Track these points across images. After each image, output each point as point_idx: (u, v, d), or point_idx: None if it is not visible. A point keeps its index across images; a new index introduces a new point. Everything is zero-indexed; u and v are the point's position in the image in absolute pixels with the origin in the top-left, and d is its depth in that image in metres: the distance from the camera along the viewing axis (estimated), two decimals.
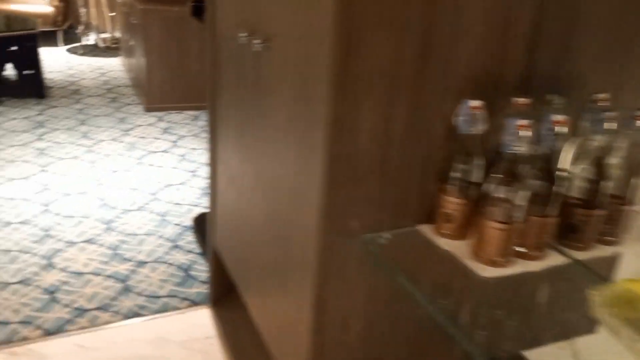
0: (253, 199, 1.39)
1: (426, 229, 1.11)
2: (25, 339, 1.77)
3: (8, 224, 2.45)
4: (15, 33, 4.05)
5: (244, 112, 1.39)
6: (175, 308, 1.97)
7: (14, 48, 4.09)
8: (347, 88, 0.92)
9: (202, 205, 2.71)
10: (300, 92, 1.04)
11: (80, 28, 5.90)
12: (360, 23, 0.89)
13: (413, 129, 1.00)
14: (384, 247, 1.03)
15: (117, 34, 5.63)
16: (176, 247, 2.35)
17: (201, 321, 1.91)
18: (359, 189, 1.00)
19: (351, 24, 0.88)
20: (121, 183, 2.91)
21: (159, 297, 2.02)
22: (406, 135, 1.00)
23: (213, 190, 1.80)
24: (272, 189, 1.25)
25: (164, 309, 1.96)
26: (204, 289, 2.07)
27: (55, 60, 5.16)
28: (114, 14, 5.46)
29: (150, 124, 3.78)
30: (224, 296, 1.93)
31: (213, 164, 1.76)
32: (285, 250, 1.20)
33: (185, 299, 2.02)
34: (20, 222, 2.46)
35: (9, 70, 4.37)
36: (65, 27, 5.77)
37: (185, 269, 2.20)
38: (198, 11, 1.89)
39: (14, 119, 3.70)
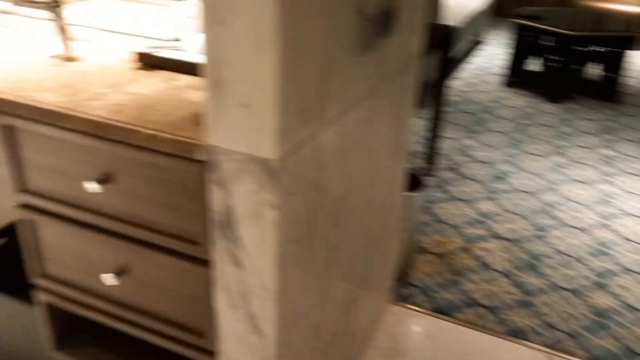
0: None
1: None
2: (569, 353, 1.72)
3: (564, 224, 2.44)
4: (603, 33, 3.97)
5: None
6: None
7: (599, 48, 4.02)
8: None
9: None
10: None
11: None
12: None
13: None
14: None
15: None
16: None
17: None
18: None
19: None
20: None
21: None
22: None
23: None
24: None
25: None
26: None
27: (636, 66, 4.88)
28: None
29: None
30: None
31: None
32: None
33: None
34: (577, 228, 2.42)
35: (591, 69, 4.37)
36: None
37: None
38: None
39: (584, 118, 3.68)
